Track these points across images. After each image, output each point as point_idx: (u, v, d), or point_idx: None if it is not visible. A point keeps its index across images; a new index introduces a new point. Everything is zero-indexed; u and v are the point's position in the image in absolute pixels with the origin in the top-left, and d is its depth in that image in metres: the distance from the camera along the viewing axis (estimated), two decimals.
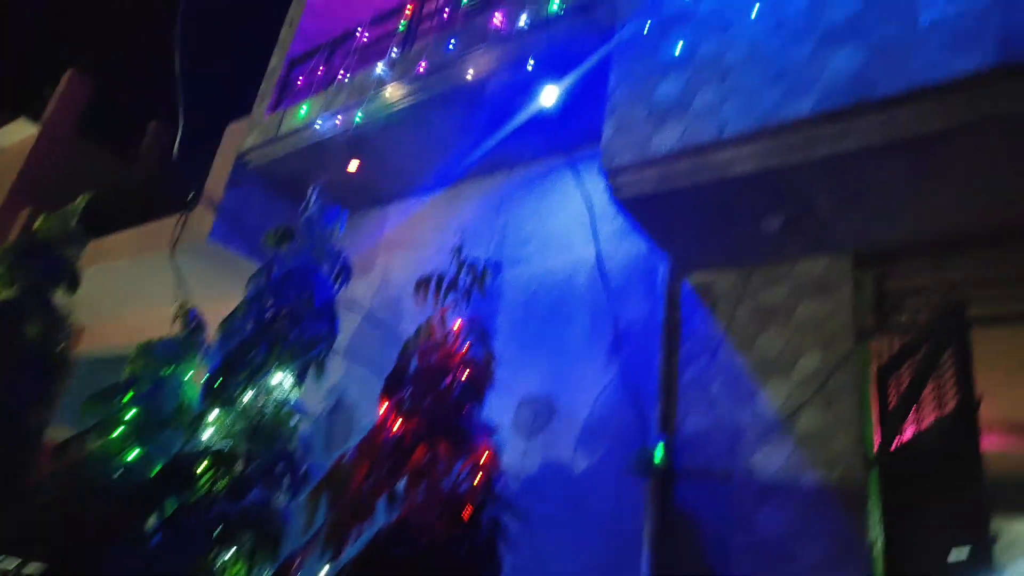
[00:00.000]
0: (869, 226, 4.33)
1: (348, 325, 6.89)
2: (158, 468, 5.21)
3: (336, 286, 5.75)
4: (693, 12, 4.67)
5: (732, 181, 4.19)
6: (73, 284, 7.40)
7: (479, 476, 3.94)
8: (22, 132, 13.06)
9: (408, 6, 6.99)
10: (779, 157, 4.01)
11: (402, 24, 6.96)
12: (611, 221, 5.56)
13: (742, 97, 4.17)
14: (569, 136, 6.00)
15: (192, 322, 6.39)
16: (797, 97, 3.94)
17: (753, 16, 4.32)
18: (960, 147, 3.62)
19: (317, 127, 7.01)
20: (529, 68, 5.44)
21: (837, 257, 4.58)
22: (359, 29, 7.55)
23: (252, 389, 5.23)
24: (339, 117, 6.83)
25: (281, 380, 5.31)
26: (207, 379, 5.34)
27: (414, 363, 4.38)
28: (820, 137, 3.86)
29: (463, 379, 4.24)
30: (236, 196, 7.97)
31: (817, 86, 3.89)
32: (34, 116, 13.00)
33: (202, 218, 7.89)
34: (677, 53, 4.57)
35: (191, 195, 7.94)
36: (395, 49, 6.77)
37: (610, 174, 4.58)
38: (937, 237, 4.29)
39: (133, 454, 5.51)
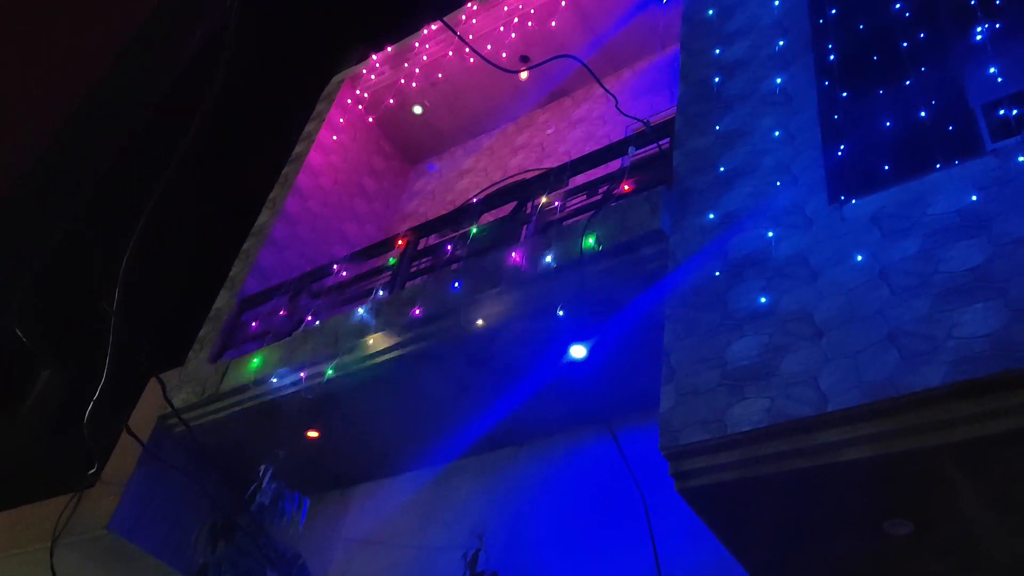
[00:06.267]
0: None
1: None
2: None
3: None
4: (769, 257, 4.75)
5: (841, 469, 4.00)
6: None
7: None
8: None
9: (399, 240, 7.18)
10: (904, 441, 3.87)
11: (391, 260, 7.09)
12: (665, 517, 5.26)
13: (846, 362, 4.09)
14: (602, 403, 5.88)
15: None
16: (920, 364, 3.87)
17: (849, 264, 4.42)
18: None
19: (273, 383, 6.84)
20: (559, 314, 5.45)
21: None
22: (333, 265, 7.71)
23: None
24: (303, 372, 6.73)
25: None
26: None
27: None
28: (958, 416, 3.75)
29: None
30: (150, 472, 7.64)
31: (946, 352, 3.85)
32: None
33: (101, 500, 7.42)
34: (754, 305, 4.60)
35: (92, 469, 7.59)
36: (381, 291, 6.86)
37: (673, 456, 4.38)
38: None
39: None
